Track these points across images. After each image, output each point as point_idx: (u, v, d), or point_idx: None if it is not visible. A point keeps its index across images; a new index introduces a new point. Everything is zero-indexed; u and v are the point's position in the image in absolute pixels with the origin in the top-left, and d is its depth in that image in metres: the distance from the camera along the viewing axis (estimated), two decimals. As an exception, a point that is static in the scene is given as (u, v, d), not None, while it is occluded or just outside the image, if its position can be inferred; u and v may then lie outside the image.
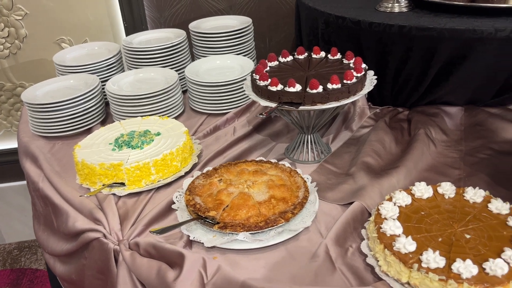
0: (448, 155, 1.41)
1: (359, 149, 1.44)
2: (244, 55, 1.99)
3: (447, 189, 1.09)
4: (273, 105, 1.27)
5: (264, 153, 1.51)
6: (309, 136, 1.45)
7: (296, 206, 1.14)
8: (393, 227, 0.98)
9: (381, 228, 0.99)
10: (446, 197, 1.08)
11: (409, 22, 1.37)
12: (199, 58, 1.96)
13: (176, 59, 1.91)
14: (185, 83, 1.81)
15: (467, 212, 1.03)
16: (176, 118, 1.76)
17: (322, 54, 1.48)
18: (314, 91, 1.24)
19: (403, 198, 1.07)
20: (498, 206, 1.03)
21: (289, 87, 1.25)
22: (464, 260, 0.88)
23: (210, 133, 1.64)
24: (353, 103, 1.65)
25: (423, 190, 1.09)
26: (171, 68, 1.87)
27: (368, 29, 1.43)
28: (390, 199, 1.09)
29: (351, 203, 1.19)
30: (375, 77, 1.36)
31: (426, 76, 1.46)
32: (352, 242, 1.09)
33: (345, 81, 1.27)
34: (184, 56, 1.95)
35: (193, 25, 2.03)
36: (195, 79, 1.73)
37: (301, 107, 1.25)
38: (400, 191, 1.10)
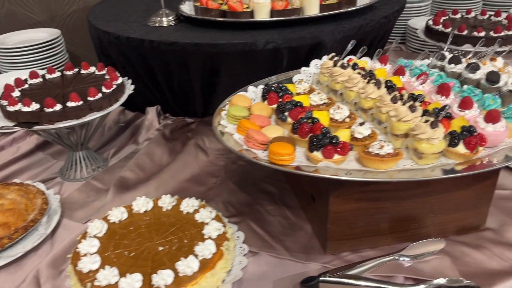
0: (217, 163, 1.45)
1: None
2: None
3: (166, 201, 1.12)
4: (12, 125, 1.23)
5: (37, 173, 1.46)
6: (79, 153, 1.42)
7: (18, 230, 1.10)
8: (87, 246, 0.98)
9: (77, 247, 0.99)
10: (164, 209, 1.11)
11: (160, 37, 1.39)
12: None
13: (-29, 76, 1.81)
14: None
15: (174, 223, 1.06)
16: (-36, 139, 1.66)
17: (91, 69, 1.46)
18: (50, 110, 1.21)
19: (117, 215, 1.08)
20: (203, 215, 1.06)
21: (24, 107, 1.22)
22: (133, 274, 0.90)
23: (-11, 154, 1.57)
24: (145, 115, 1.65)
25: (140, 205, 1.10)
26: (-34, 86, 1.76)
27: (126, 43, 1.43)
28: (105, 216, 1.09)
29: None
30: (132, 91, 1.36)
31: (194, 88, 1.49)
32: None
33: (88, 98, 1.26)
34: (-17, 72, 1.85)
35: (-5, 40, 1.94)
36: (-21, 98, 1.64)
37: (37, 127, 1.22)
38: (118, 207, 1.10)
